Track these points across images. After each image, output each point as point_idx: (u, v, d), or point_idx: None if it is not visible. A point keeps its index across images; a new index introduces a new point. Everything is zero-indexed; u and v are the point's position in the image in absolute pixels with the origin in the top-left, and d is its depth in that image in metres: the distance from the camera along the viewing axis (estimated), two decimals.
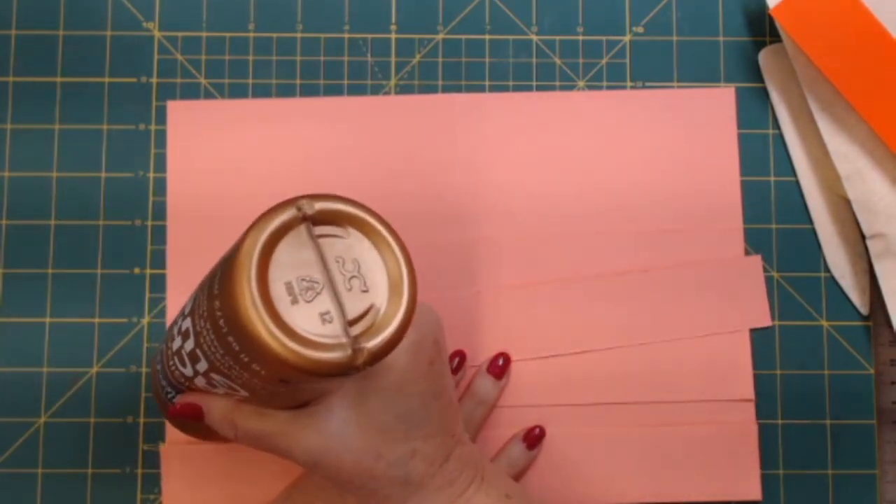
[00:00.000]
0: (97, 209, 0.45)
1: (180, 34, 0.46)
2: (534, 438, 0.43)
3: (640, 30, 0.47)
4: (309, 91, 0.46)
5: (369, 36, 0.47)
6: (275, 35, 0.46)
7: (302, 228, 0.27)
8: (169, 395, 0.35)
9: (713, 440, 0.44)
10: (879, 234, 0.44)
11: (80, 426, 0.44)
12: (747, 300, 0.45)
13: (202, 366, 0.30)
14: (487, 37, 0.47)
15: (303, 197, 0.27)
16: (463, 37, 0.47)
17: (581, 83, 0.46)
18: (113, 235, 0.45)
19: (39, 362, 0.44)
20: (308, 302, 0.26)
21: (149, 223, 0.45)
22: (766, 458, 0.44)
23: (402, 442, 0.33)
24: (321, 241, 0.27)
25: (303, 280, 0.26)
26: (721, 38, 0.47)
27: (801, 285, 0.45)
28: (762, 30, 0.47)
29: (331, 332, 0.26)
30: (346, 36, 0.47)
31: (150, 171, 0.45)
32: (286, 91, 0.46)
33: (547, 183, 0.45)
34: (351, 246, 0.27)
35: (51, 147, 0.46)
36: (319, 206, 0.27)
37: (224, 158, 0.45)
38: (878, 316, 0.45)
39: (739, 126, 0.46)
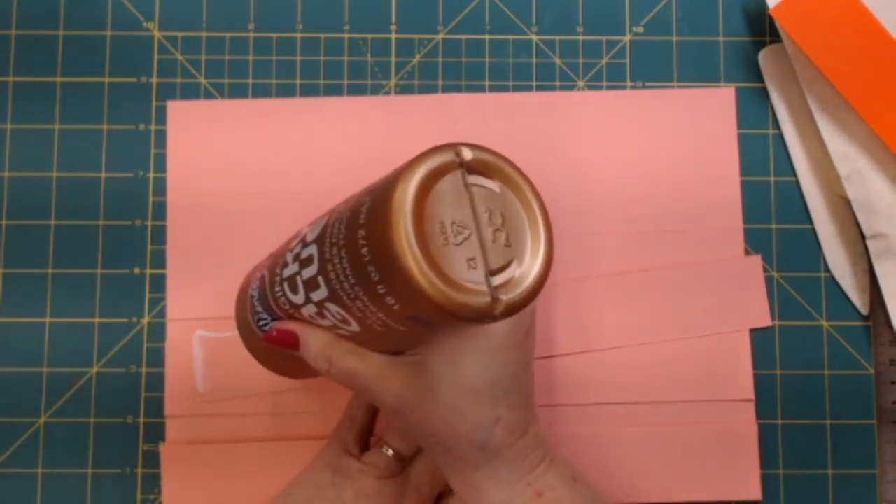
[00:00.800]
0: (97, 209, 0.45)
1: (180, 34, 0.46)
2: None
3: (640, 30, 0.47)
4: (309, 91, 0.46)
5: (369, 36, 0.47)
6: (275, 35, 0.46)
7: (458, 173, 0.27)
8: (261, 323, 0.35)
9: (713, 440, 0.44)
10: (879, 234, 0.44)
11: (80, 426, 0.44)
12: (747, 300, 0.45)
13: (319, 294, 0.30)
14: (487, 37, 0.47)
15: (460, 144, 0.27)
16: (463, 37, 0.47)
17: (581, 83, 0.46)
18: (113, 235, 0.45)
19: (39, 362, 0.44)
20: (457, 245, 0.26)
21: (149, 223, 0.45)
22: (766, 458, 0.44)
23: (488, 407, 0.33)
24: (473, 189, 0.27)
25: (454, 223, 0.27)
26: (721, 38, 0.47)
27: (801, 285, 0.45)
28: (762, 30, 0.47)
29: (474, 278, 0.26)
30: (346, 36, 0.47)
31: (150, 171, 0.45)
32: (286, 91, 0.46)
33: (547, 183, 0.45)
34: (499, 199, 0.28)
35: (51, 147, 0.46)
36: (475, 155, 0.28)
37: (224, 158, 0.45)
38: (878, 316, 0.45)
39: (739, 126, 0.46)
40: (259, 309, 0.35)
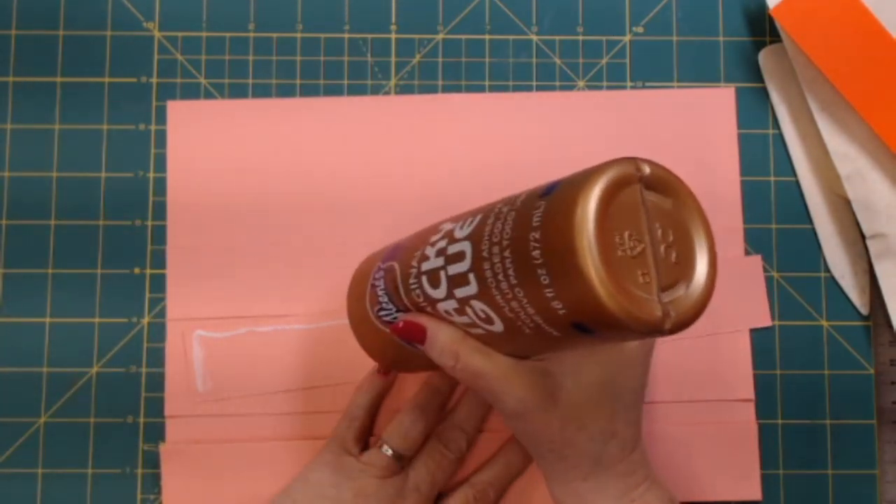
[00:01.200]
0: (97, 209, 0.45)
1: (180, 34, 0.46)
2: None
3: (640, 30, 0.47)
4: (309, 91, 0.46)
5: (369, 36, 0.47)
6: (275, 35, 0.46)
7: (637, 187, 0.28)
8: (383, 314, 0.36)
9: (713, 440, 0.44)
10: (879, 234, 0.44)
11: (80, 426, 0.44)
12: (747, 300, 0.45)
13: (466, 290, 0.30)
14: (487, 37, 0.47)
15: (639, 158, 0.28)
16: (463, 37, 0.47)
17: (581, 83, 0.46)
18: (113, 235, 0.45)
19: (39, 362, 0.44)
20: (632, 257, 0.27)
21: (149, 223, 0.45)
22: (766, 458, 0.44)
23: (606, 420, 0.33)
24: (648, 204, 0.28)
25: (631, 235, 0.27)
26: (721, 38, 0.47)
27: (801, 285, 0.45)
28: (762, 30, 0.47)
29: (646, 291, 0.27)
30: (346, 36, 0.47)
31: (150, 171, 0.45)
32: (286, 91, 0.46)
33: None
34: (670, 217, 0.28)
35: (51, 147, 0.46)
36: (653, 170, 0.28)
37: (224, 158, 0.45)
38: (878, 316, 0.45)
39: (739, 126, 0.46)
40: (384, 300, 0.35)
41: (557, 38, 0.47)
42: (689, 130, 0.46)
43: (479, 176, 0.45)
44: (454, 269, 0.31)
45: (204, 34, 0.46)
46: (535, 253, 0.27)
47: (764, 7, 0.46)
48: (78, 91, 0.46)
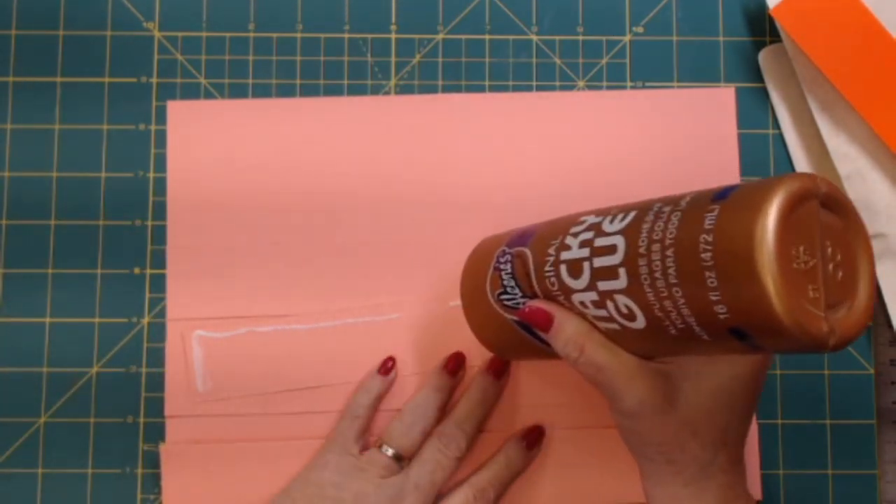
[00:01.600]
0: (97, 209, 0.45)
1: (180, 34, 0.46)
2: (533, 438, 0.43)
3: (640, 30, 0.47)
4: (309, 91, 0.46)
5: (369, 36, 0.47)
6: (275, 35, 0.46)
7: (814, 203, 0.28)
8: (505, 298, 0.36)
9: None
10: (879, 234, 0.44)
11: (80, 426, 0.44)
12: None
13: (613, 284, 0.31)
14: (487, 37, 0.47)
15: (817, 175, 0.28)
16: (463, 37, 0.47)
17: (581, 83, 0.46)
18: (113, 235, 0.45)
19: (39, 362, 0.44)
20: (804, 272, 0.27)
21: (149, 223, 0.45)
22: (766, 458, 0.44)
23: (720, 430, 0.34)
24: (822, 221, 0.28)
25: (805, 250, 0.27)
26: (721, 38, 0.47)
27: None
28: (762, 30, 0.47)
29: (815, 306, 0.27)
30: (346, 36, 0.47)
31: (150, 171, 0.45)
32: (286, 91, 0.46)
33: (547, 183, 0.45)
34: (840, 236, 0.29)
35: (51, 147, 0.46)
36: (829, 189, 0.28)
37: (224, 158, 0.45)
38: (878, 316, 0.45)
39: (739, 126, 0.46)
40: (510, 284, 0.36)
41: (557, 38, 0.47)
42: (689, 130, 0.46)
43: (479, 176, 0.45)
44: (602, 261, 0.31)
45: (204, 34, 0.46)
46: (706, 255, 0.27)
47: (764, 7, 0.46)
48: (78, 91, 0.46)
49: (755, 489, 0.44)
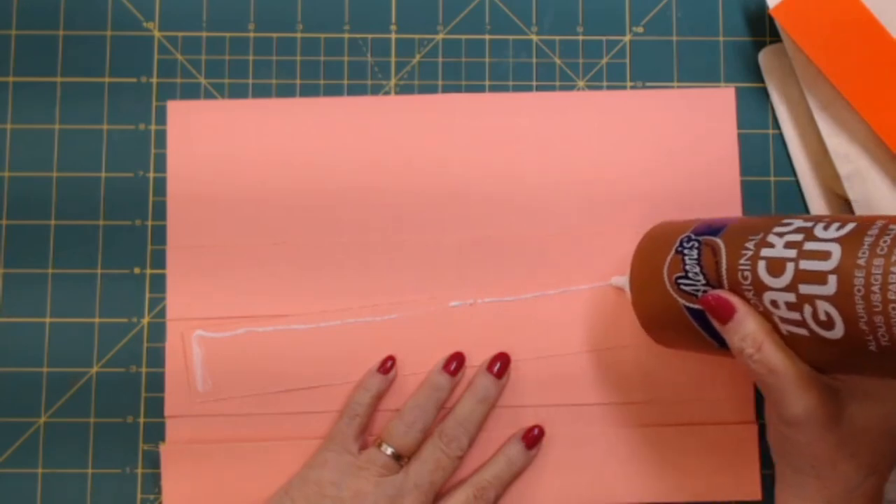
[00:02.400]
0: (97, 209, 0.45)
1: (180, 34, 0.46)
2: (533, 438, 0.43)
3: (640, 30, 0.47)
4: (309, 91, 0.46)
5: (369, 36, 0.47)
6: (275, 35, 0.46)
7: None
8: (683, 283, 0.36)
9: (713, 440, 0.44)
10: None
11: (80, 426, 0.44)
12: None
13: (820, 289, 0.31)
14: (487, 37, 0.47)
15: None
16: (463, 37, 0.47)
17: (581, 83, 0.46)
18: (113, 235, 0.45)
19: (39, 362, 0.44)
20: None
21: (149, 223, 0.45)
22: (767, 458, 0.44)
23: (877, 456, 0.34)
24: None
25: None
26: (721, 38, 0.47)
27: None
28: (762, 30, 0.47)
29: None
30: (346, 36, 0.47)
31: (150, 171, 0.45)
32: (286, 91, 0.46)
33: (547, 183, 0.45)
34: None
35: (51, 147, 0.46)
36: None
37: (224, 158, 0.45)
38: None
39: (739, 126, 0.46)
40: (694, 271, 0.36)
41: (557, 38, 0.47)
42: (689, 130, 0.46)
43: (479, 176, 0.45)
44: (810, 265, 0.31)
45: (204, 34, 0.46)
46: None
47: (764, 7, 0.46)
48: (78, 91, 0.46)
49: (755, 489, 0.44)
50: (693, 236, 0.37)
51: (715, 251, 0.35)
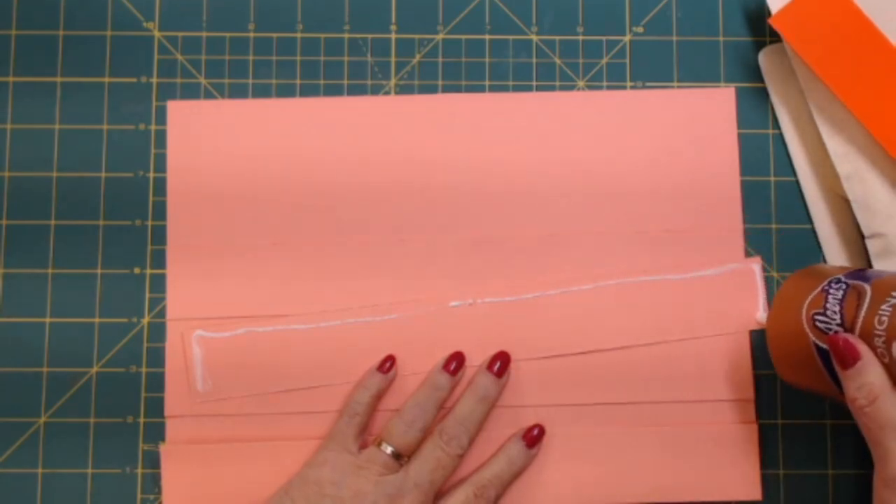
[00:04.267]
0: (97, 209, 0.45)
1: (180, 34, 0.46)
2: (533, 438, 0.43)
3: (640, 30, 0.47)
4: (309, 91, 0.46)
5: (369, 36, 0.47)
6: (275, 35, 0.46)
7: None
8: (820, 320, 0.37)
9: (713, 440, 0.44)
10: (878, 234, 0.44)
11: (80, 426, 0.44)
12: (747, 301, 0.45)
13: None
14: (487, 37, 0.47)
15: None
16: (463, 37, 0.47)
17: (581, 83, 0.46)
18: (113, 235, 0.45)
19: (39, 362, 0.44)
20: None
21: (149, 223, 0.45)
22: (766, 458, 0.44)
23: None
24: None
25: None
26: (721, 38, 0.47)
27: None
28: (762, 30, 0.47)
29: None
30: (346, 36, 0.47)
31: (150, 171, 0.45)
32: (286, 91, 0.46)
33: (547, 184, 0.45)
34: None
35: (51, 147, 0.46)
36: None
37: (224, 158, 0.45)
38: None
39: (739, 126, 0.46)
40: (833, 309, 0.36)
41: (557, 38, 0.47)
42: (689, 130, 0.46)
43: (479, 176, 0.45)
44: None
45: (204, 34, 0.46)
46: None
47: (764, 7, 0.46)
48: (78, 91, 0.46)
49: (755, 489, 0.44)
50: (843, 278, 0.37)
51: (860, 294, 0.36)
